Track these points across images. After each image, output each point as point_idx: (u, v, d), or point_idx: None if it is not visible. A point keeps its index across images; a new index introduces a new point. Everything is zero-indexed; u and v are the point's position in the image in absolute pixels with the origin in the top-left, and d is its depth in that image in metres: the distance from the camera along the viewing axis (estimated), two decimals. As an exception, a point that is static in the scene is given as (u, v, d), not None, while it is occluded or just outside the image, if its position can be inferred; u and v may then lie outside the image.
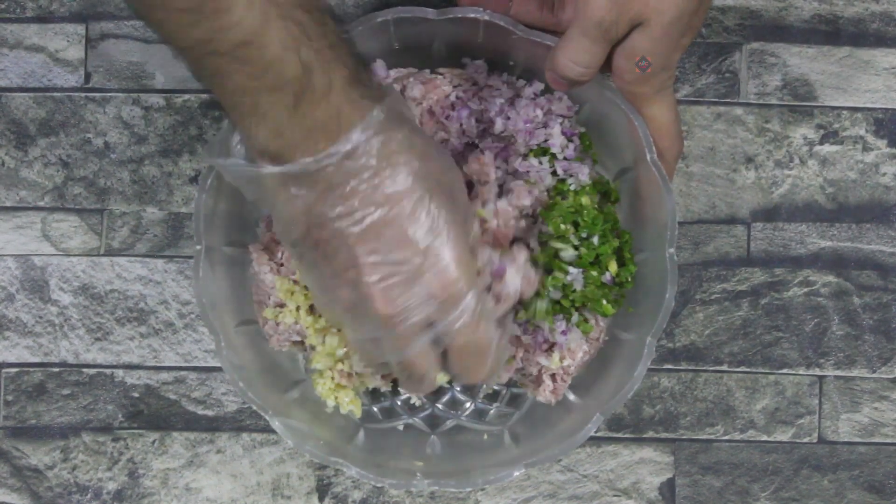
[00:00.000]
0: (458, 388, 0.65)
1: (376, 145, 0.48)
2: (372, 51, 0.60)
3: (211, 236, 0.59)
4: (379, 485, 0.58)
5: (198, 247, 0.58)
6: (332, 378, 0.61)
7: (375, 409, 0.65)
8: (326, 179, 0.48)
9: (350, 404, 0.61)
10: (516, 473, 0.57)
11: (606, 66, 0.56)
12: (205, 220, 0.58)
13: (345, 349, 0.60)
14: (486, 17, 0.57)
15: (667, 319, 0.57)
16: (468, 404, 0.66)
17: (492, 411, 0.65)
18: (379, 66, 0.61)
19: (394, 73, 0.61)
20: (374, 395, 0.65)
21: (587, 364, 0.62)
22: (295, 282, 0.61)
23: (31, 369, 0.70)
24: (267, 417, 0.58)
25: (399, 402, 0.65)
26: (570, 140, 0.60)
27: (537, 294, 0.58)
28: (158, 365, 0.70)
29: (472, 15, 0.57)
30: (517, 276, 0.56)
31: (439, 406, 0.65)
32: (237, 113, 0.48)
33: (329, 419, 0.62)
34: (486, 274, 0.55)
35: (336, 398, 0.61)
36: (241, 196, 0.55)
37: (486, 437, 0.63)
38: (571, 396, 0.62)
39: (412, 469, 0.59)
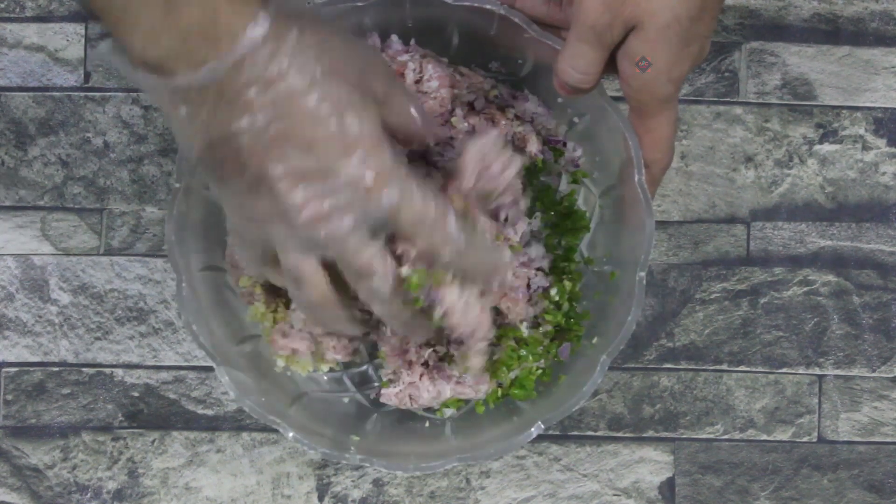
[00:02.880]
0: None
1: (266, 53, 0.45)
2: (385, 24, 0.60)
3: (193, 176, 0.58)
4: (311, 451, 0.58)
5: (177, 185, 0.57)
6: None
7: (325, 378, 0.64)
8: (216, 93, 0.45)
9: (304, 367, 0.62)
10: (448, 466, 0.57)
11: (615, 70, 0.56)
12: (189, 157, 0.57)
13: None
14: (502, 12, 0.57)
15: (625, 341, 0.57)
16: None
17: None
18: (395, 42, 0.61)
19: (411, 50, 0.61)
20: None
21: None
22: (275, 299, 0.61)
23: (31, 369, 0.70)
24: (213, 364, 0.57)
25: (349, 376, 0.65)
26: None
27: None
28: (158, 364, 0.70)
29: (489, 6, 0.57)
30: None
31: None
32: (110, 18, 0.45)
33: (276, 379, 0.62)
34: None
35: (287, 359, 0.62)
36: None
37: (427, 424, 0.63)
38: (517, 400, 0.62)
39: (348, 442, 0.59)
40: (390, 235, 0.50)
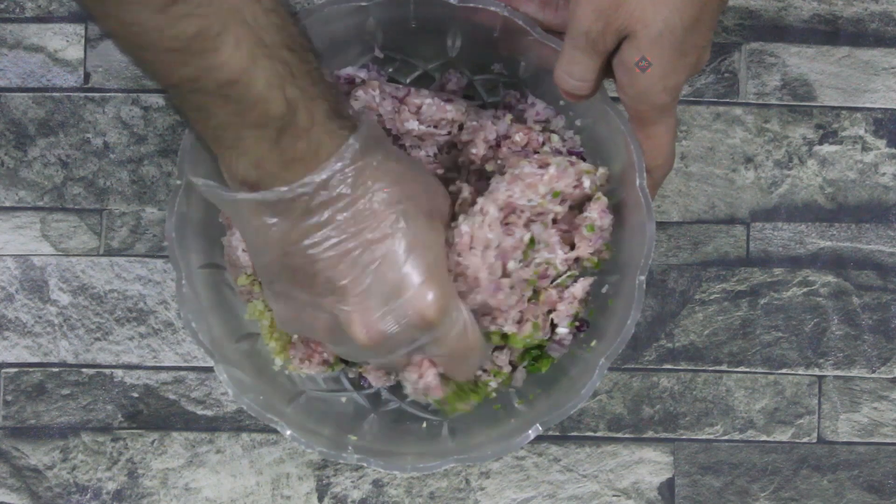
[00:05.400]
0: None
1: (351, 174, 0.48)
2: (388, 24, 0.60)
3: (193, 174, 0.58)
4: (309, 450, 0.58)
5: (177, 182, 0.58)
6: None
7: (321, 378, 0.64)
8: (301, 208, 0.48)
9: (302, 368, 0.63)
10: (446, 467, 0.57)
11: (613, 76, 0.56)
12: (190, 156, 0.57)
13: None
14: (505, 14, 0.57)
15: (624, 345, 0.56)
16: None
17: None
18: (354, 70, 0.62)
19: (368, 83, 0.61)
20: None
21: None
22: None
23: (31, 369, 0.70)
24: (212, 362, 0.57)
25: (346, 376, 0.65)
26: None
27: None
28: (158, 365, 0.70)
29: (492, 8, 0.57)
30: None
31: (385, 387, 0.65)
32: (219, 145, 0.49)
33: (273, 378, 0.62)
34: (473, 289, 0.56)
35: (284, 358, 0.62)
36: None
37: (424, 425, 0.63)
38: (516, 402, 0.62)
39: (345, 442, 0.59)
40: None
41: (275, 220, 0.49)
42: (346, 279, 0.50)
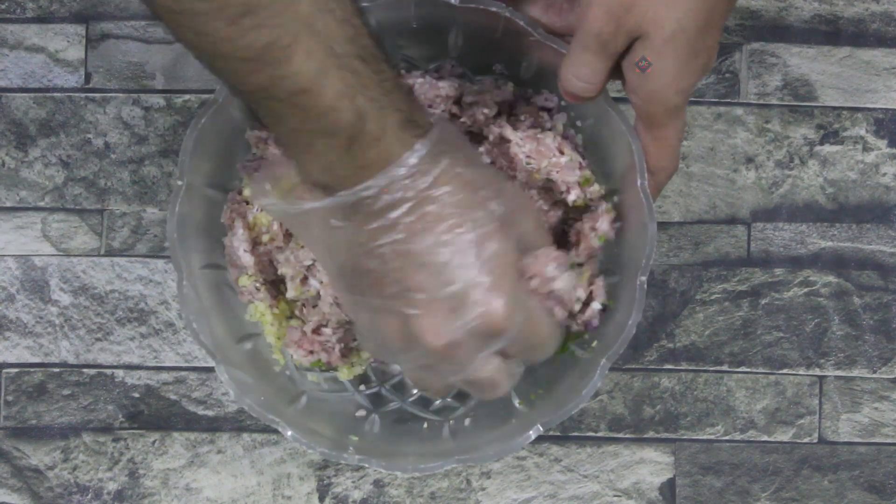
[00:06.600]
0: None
1: (415, 178, 0.48)
2: (390, 25, 0.60)
3: (195, 174, 0.58)
4: (310, 451, 0.58)
5: (179, 182, 0.58)
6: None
7: (322, 379, 0.65)
8: (365, 211, 0.49)
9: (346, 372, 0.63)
10: (447, 467, 0.57)
11: (620, 77, 0.56)
12: (192, 156, 0.58)
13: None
14: (507, 14, 0.57)
15: (625, 346, 0.56)
16: (415, 390, 0.65)
17: (437, 402, 0.65)
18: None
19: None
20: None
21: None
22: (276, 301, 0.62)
23: (32, 369, 0.70)
24: (213, 363, 0.57)
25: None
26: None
27: None
28: (159, 365, 0.70)
29: (494, 9, 0.57)
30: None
31: (386, 387, 0.65)
32: (293, 149, 0.49)
33: (275, 378, 0.62)
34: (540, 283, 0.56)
35: (286, 356, 0.62)
36: (228, 143, 0.58)
37: (425, 425, 0.63)
38: (517, 402, 0.62)
39: (346, 442, 0.59)
40: None
41: (342, 223, 0.49)
42: (414, 286, 0.49)
